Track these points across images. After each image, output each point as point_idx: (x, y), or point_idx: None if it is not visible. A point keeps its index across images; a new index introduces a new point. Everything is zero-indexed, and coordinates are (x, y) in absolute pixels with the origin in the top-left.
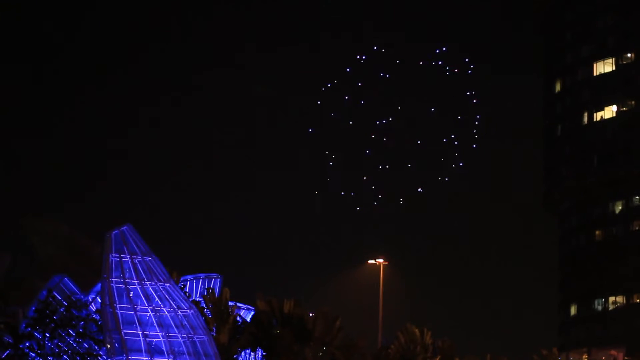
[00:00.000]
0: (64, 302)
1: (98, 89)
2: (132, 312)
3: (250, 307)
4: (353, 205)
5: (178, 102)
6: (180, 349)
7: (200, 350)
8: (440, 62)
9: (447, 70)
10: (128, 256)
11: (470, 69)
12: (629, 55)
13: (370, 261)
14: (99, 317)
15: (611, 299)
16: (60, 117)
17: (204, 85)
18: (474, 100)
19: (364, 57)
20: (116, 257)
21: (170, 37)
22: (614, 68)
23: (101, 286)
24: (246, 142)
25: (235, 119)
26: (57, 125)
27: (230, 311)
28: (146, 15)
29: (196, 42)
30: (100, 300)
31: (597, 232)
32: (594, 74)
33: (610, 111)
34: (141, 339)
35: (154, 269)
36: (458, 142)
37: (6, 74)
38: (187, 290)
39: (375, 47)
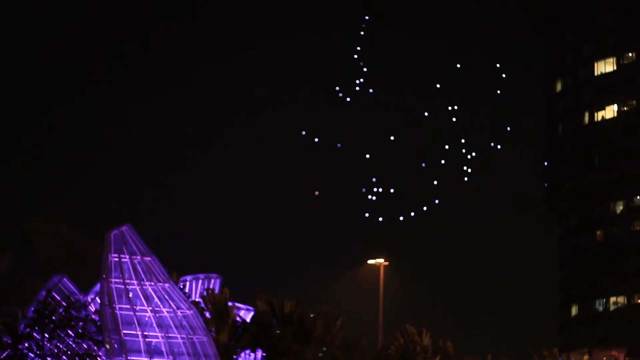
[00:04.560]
0: (63, 303)
1: (97, 87)
2: (132, 313)
3: (250, 308)
4: (354, 205)
5: (176, 100)
6: (180, 349)
7: (200, 351)
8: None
9: (447, 71)
10: (127, 256)
11: (471, 69)
12: (630, 54)
13: (370, 261)
14: (98, 318)
15: (612, 299)
16: (60, 116)
17: (201, 83)
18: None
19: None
20: (115, 257)
21: (168, 34)
22: (615, 68)
23: (100, 286)
24: (247, 141)
25: (235, 117)
26: (56, 124)
27: (230, 311)
28: (145, 11)
29: (194, 40)
30: (99, 301)
31: (598, 232)
32: (595, 74)
33: (611, 111)
34: (140, 339)
35: (153, 269)
36: (458, 142)
37: (5, 72)
38: (186, 291)
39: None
